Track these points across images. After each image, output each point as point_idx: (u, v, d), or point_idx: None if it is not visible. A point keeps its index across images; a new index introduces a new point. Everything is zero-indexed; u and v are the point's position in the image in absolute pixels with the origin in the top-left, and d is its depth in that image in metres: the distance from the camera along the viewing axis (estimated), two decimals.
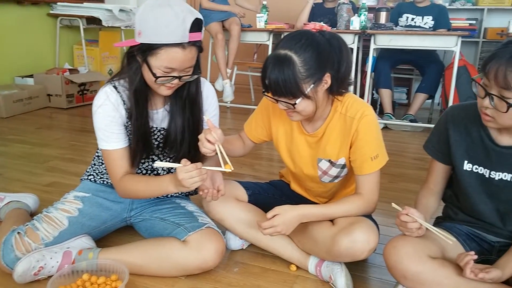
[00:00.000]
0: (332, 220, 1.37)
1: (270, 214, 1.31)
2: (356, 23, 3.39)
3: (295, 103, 1.21)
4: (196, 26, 1.19)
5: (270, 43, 3.73)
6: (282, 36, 3.51)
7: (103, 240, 1.51)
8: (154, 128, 1.38)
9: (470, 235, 1.31)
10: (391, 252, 1.21)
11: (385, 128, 3.55)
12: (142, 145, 1.34)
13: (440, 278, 1.16)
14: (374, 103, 3.95)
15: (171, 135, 1.37)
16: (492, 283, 1.15)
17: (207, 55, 4.08)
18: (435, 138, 1.34)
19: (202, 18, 1.23)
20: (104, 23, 4.24)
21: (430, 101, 3.75)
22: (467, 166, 1.26)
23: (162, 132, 1.40)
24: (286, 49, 1.19)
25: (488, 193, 1.25)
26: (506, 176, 1.20)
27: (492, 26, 4.23)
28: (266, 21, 3.76)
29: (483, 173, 1.23)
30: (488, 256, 1.29)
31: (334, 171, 1.38)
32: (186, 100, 1.36)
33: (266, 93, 1.26)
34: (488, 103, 1.08)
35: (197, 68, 1.29)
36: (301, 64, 1.18)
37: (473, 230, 1.32)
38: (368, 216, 1.38)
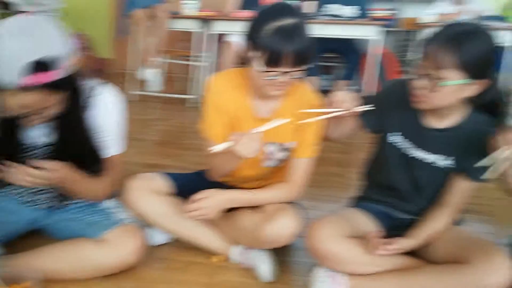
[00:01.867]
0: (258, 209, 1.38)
1: (196, 197, 1.29)
2: None
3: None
4: (42, 66, 1.01)
5: (199, 31, 3.66)
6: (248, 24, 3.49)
7: (10, 245, 1.40)
8: (31, 145, 1.24)
9: (383, 213, 1.40)
10: (311, 235, 1.25)
11: None
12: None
13: (355, 256, 1.23)
14: None
15: (54, 151, 1.24)
16: (402, 255, 1.25)
17: (132, 43, 3.92)
18: (373, 102, 1.33)
19: (54, 56, 1.03)
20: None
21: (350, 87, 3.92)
22: (395, 139, 1.31)
23: (43, 148, 1.25)
24: None
25: (407, 170, 1.31)
26: (427, 156, 1.27)
27: (408, 16, 4.49)
28: (196, 8, 3.67)
29: (407, 149, 1.29)
30: (399, 231, 1.36)
31: (280, 155, 1.40)
32: (68, 116, 1.19)
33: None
34: (422, 83, 1.14)
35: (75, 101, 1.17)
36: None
37: (386, 208, 1.40)
38: (294, 202, 1.41)
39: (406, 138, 1.29)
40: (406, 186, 1.34)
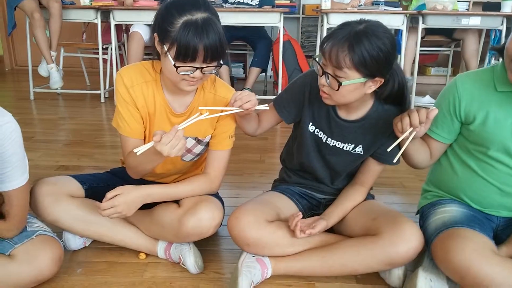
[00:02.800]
0: (178, 203, 1.36)
1: (110, 194, 1.23)
2: None
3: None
4: None
5: (98, 22, 3.46)
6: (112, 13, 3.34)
7: None
8: None
9: (301, 195, 1.47)
10: (234, 223, 1.27)
11: None
12: None
13: (277, 239, 1.27)
14: None
15: None
16: (323, 232, 1.32)
17: (24, 37, 3.58)
18: (289, 97, 1.37)
19: None
20: None
21: (263, 74, 4.02)
22: (311, 128, 1.36)
23: None
24: None
25: (323, 156, 1.38)
26: (339, 144, 1.34)
27: (309, 3, 4.69)
28: None
29: (322, 138, 1.35)
30: (316, 210, 1.46)
31: (198, 149, 1.38)
32: None
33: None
34: (324, 81, 1.17)
35: None
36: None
37: (304, 190, 1.47)
38: (215, 194, 1.42)
39: (320, 129, 1.35)
40: (322, 169, 1.41)
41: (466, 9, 4.29)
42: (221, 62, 1.18)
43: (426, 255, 1.29)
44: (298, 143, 1.41)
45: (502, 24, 3.32)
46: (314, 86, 1.29)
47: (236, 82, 4.32)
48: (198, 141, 1.37)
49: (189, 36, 1.07)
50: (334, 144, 1.34)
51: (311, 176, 1.45)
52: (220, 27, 1.13)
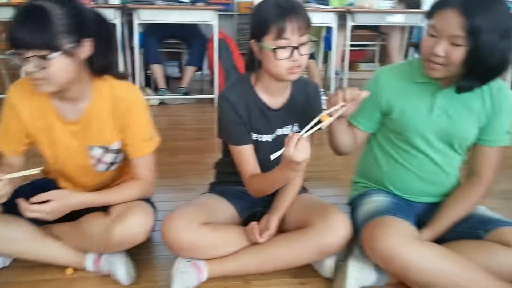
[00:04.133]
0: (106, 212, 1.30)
1: (44, 196, 1.16)
2: None
3: (48, 58, 1.07)
4: None
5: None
6: None
7: None
8: None
9: (239, 195, 1.44)
10: (167, 227, 1.24)
11: (162, 104, 3.59)
12: None
13: (212, 241, 1.26)
14: (148, 79, 3.93)
15: None
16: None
17: None
18: (237, 127, 1.32)
19: None
20: None
21: (199, 72, 3.97)
22: (253, 137, 1.35)
23: None
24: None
25: (264, 154, 1.32)
26: (278, 132, 1.35)
27: (244, 0, 4.69)
28: None
29: (266, 139, 1.35)
30: (255, 208, 1.46)
31: (109, 157, 1.31)
32: None
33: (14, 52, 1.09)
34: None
35: None
36: (60, 17, 1.08)
37: (241, 188, 1.43)
38: (144, 198, 1.38)
39: (260, 133, 1.35)
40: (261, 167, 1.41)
41: (392, 6, 4.51)
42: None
43: (356, 245, 1.34)
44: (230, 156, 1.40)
45: (422, 21, 3.53)
46: (234, 99, 1.29)
47: (173, 81, 4.23)
48: (106, 149, 1.30)
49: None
50: (275, 136, 1.36)
51: None
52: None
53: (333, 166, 2.27)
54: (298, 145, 1.06)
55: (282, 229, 1.36)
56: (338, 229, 1.24)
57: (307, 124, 1.12)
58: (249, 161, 1.33)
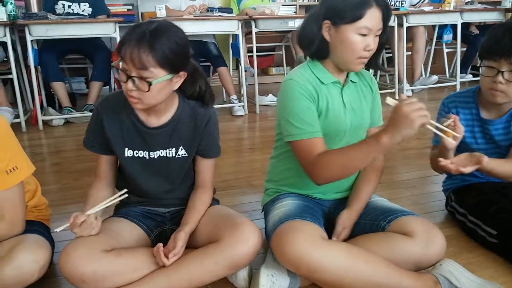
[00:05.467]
0: None
1: None
2: (3, 13, 2.98)
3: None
4: None
5: None
6: None
7: None
8: None
9: (144, 214, 1.40)
10: (64, 259, 1.14)
11: (67, 123, 3.37)
12: None
13: (118, 268, 1.18)
14: (51, 97, 3.67)
15: None
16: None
17: None
18: (92, 133, 1.33)
19: None
20: None
21: (107, 87, 3.79)
22: (128, 153, 1.31)
23: None
24: None
25: (153, 172, 1.34)
26: (162, 153, 1.32)
27: (148, 11, 4.58)
28: None
29: (144, 156, 1.31)
30: (163, 226, 1.41)
31: None
32: None
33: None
34: (131, 86, 1.13)
35: None
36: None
37: (146, 208, 1.41)
38: (36, 230, 1.26)
39: (136, 148, 1.31)
40: (157, 185, 1.38)
41: (294, 12, 4.70)
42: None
43: (269, 252, 1.34)
44: (125, 172, 1.36)
45: None
46: (109, 111, 1.28)
47: (79, 99, 3.99)
48: None
49: None
50: (157, 156, 1.32)
51: (149, 194, 1.40)
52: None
53: (247, 173, 2.28)
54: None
55: (193, 245, 1.32)
56: (248, 240, 1.22)
57: (194, 149, 1.29)
58: (101, 170, 1.36)
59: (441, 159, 1.34)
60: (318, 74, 1.32)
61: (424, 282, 1.19)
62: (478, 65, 1.50)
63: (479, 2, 4.33)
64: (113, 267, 1.18)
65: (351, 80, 1.37)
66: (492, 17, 4.22)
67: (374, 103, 1.44)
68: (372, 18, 1.21)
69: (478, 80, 1.52)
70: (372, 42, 1.24)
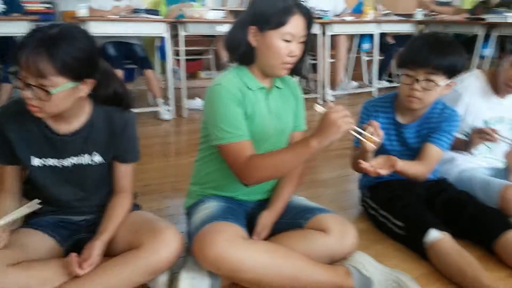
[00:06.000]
0: None
1: None
2: None
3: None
4: None
5: None
6: None
7: None
8: None
9: (57, 223, 1.32)
10: None
11: None
12: None
13: (25, 282, 1.11)
14: None
15: None
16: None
17: None
18: None
19: None
20: None
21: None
22: (35, 161, 1.24)
23: None
24: None
25: (66, 180, 1.28)
26: (75, 160, 1.26)
27: (69, 9, 4.36)
28: None
29: (55, 164, 1.25)
30: (78, 235, 1.34)
31: None
32: None
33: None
34: (30, 94, 1.06)
35: None
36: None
37: (59, 217, 1.34)
38: None
39: (45, 155, 1.25)
40: (71, 194, 1.32)
41: (223, 16, 4.73)
42: None
43: (190, 254, 1.34)
44: (32, 183, 1.29)
45: None
46: (11, 120, 1.20)
47: None
48: None
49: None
50: (71, 163, 1.27)
51: (63, 203, 1.33)
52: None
53: (171, 177, 2.26)
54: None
55: (112, 253, 1.27)
56: (169, 245, 1.21)
57: (110, 154, 1.24)
58: (5, 182, 1.28)
59: (361, 161, 1.43)
60: (244, 79, 1.34)
61: (336, 273, 1.26)
62: (397, 73, 1.63)
63: (394, 14, 4.67)
64: (20, 281, 1.10)
65: (276, 86, 1.41)
66: (406, 28, 4.57)
67: (297, 109, 1.49)
68: (295, 25, 1.26)
69: (393, 87, 1.65)
70: (296, 49, 1.29)
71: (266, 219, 1.40)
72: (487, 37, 4.03)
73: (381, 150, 1.55)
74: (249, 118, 1.34)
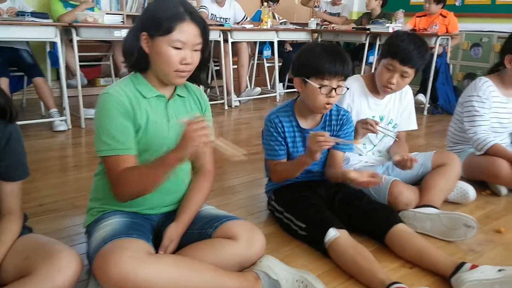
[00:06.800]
0: None
1: None
2: None
3: None
4: None
5: None
6: None
7: None
8: None
9: None
10: None
11: None
12: None
13: None
14: None
15: None
16: None
17: None
18: None
19: None
20: None
21: None
22: None
23: None
24: None
25: None
26: None
27: None
28: None
29: None
30: None
31: None
32: None
33: None
34: None
35: None
36: None
37: None
38: None
39: None
40: None
41: (122, 21, 4.55)
42: None
43: (91, 277, 1.25)
44: None
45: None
46: None
47: None
48: None
49: None
50: None
51: None
52: None
53: (70, 194, 2.10)
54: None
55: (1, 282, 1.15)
56: (66, 269, 1.11)
57: None
58: None
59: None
60: (139, 87, 1.30)
61: (246, 280, 1.28)
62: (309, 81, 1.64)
63: (291, 23, 4.91)
64: None
65: (177, 94, 1.39)
66: (301, 36, 4.85)
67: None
68: (185, 32, 1.24)
69: (294, 91, 1.73)
70: (190, 56, 1.27)
71: (173, 231, 1.37)
72: (373, 45, 4.45)
73: (288, 157, 1.63)
74: (142, 128, 1.30)
